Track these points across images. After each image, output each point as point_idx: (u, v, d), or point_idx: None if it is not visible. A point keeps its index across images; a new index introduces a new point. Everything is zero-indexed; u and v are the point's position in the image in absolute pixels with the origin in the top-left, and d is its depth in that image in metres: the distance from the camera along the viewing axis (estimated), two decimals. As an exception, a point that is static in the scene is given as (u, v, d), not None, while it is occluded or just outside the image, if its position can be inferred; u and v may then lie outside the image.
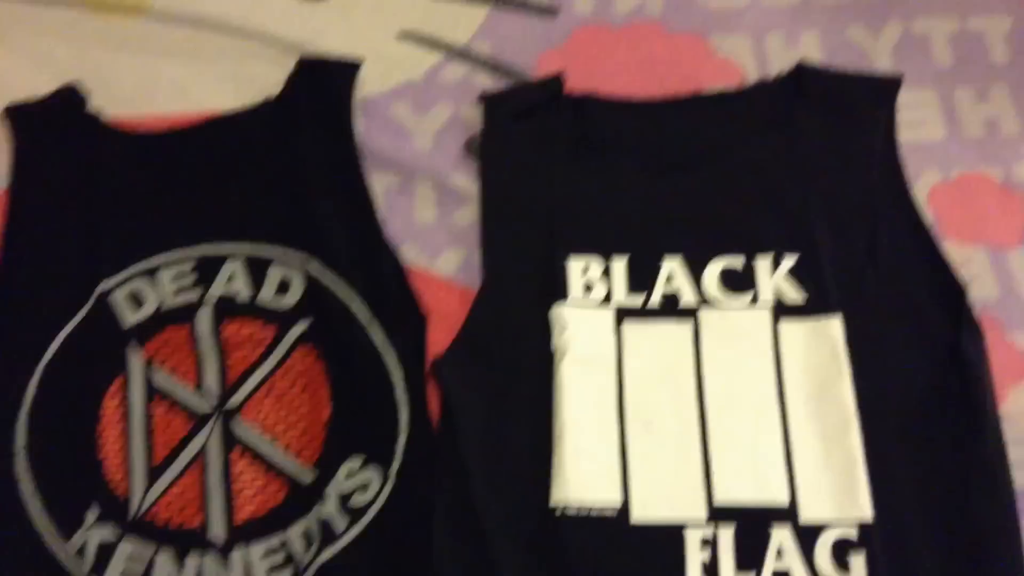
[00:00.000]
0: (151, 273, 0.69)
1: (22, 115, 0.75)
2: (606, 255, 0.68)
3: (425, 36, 0.79)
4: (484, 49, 0.79)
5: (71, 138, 0.74)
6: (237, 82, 0.77)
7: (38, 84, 0.76)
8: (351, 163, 0.73)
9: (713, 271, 0.66)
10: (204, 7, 0.79)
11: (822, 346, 0.62)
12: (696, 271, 0.67)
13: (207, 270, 0.69)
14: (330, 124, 0.74)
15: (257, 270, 0.69)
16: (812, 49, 0.78)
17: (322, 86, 0.75)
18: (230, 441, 0.65)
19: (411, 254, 0.70)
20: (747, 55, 0.78)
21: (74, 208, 0.72)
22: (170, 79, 0.77)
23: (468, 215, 0.72)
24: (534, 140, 0.73)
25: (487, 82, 0.77)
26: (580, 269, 0.67)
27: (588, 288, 0.66)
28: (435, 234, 0.72)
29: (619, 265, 0.67)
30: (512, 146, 0.73)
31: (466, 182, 0.72)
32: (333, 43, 0.78)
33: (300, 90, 0.75)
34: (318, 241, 0.70)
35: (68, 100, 0.75)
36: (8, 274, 0.70)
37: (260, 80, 0.76)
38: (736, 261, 0.66)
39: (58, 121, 0.74)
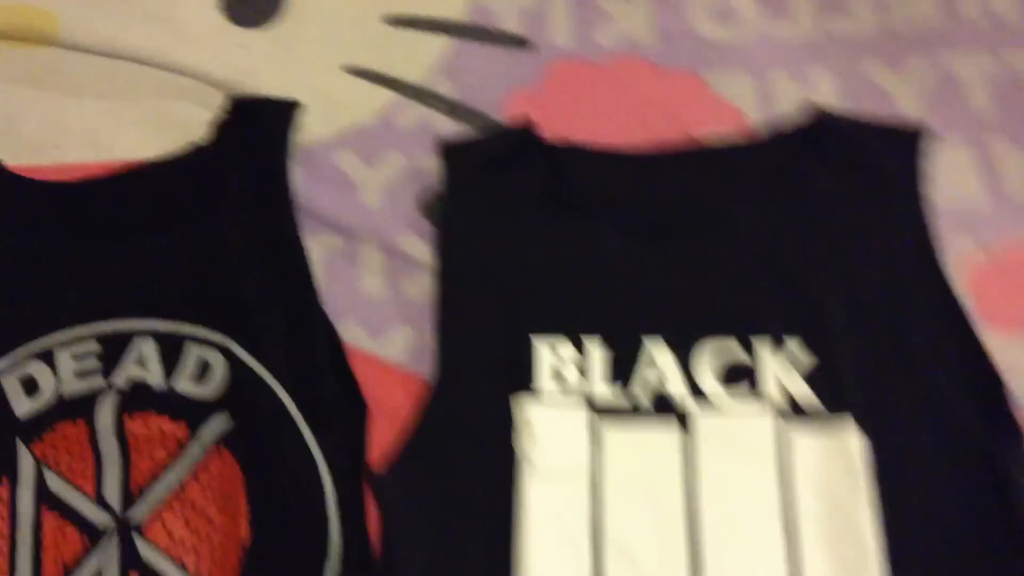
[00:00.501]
0: (48, 354, 0.59)
1: None
2: (579, 336, 0.57)
3: (377, 72, 0.68)
4: (444, 88, 0.68)
5: None
6: (158, 126, 0.66)
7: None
8: (284, 222, 0.62)
9: (704, 357, 0.56)
10: (120, 35, 0.68)
11: (837, 460, 0.52)
12: (682, 356, 0.56)
13: (112, 351, 0.59)
14: (261, 176, 0.63)
15: (170, 351, 0.59)
16: (824, 90, 0.67)
17: (253, 131, 0.64)
18: (131, 561, 0.54)
19: (352, 332, 0.60)
20: (748, 95, 0.67)
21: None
22: (80, 121, 0.67)
23: (421, 287, 0.61)
24: (500, 198, 0.62)
25: (447, 127, 0.66)
26: (548, 352, 0.57)
27: (557, 375, 0.56)
28: (381, 309, 0.61)
29: (594, 348, 0.57)
30: (475, 205, 0.62)
31: (420, 247, 0.62)
32: (271, 79, 0.67)
33: (229, 136, 0.64)
34: (242, 317, 0.59)
35: None
36: None
37: (185, 123, 0.66)
38: (730, 345, 0.56)
39: None
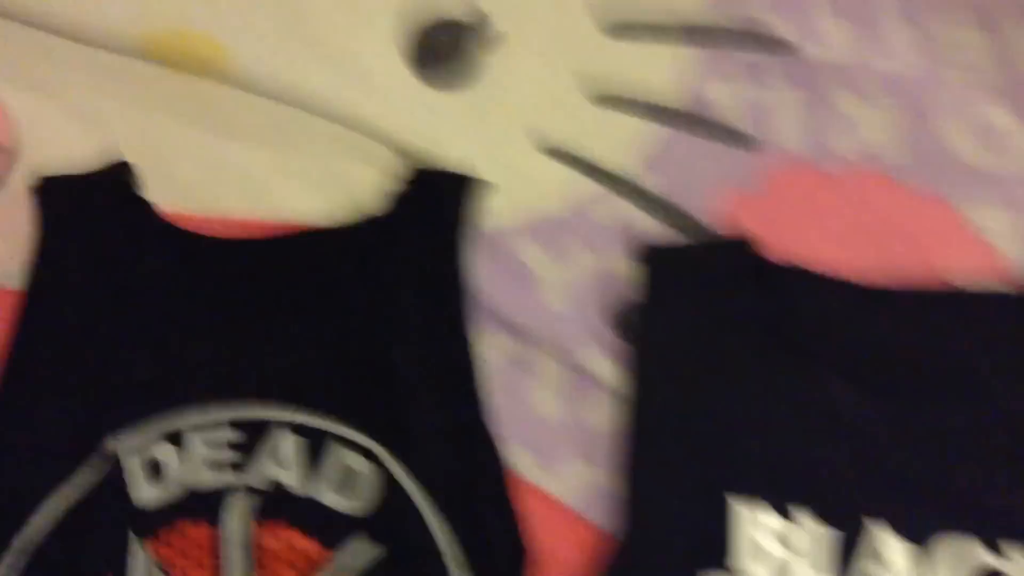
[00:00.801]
0: (177, 436, 0.52)
1: (55, 193, 0.58)
2: (785, 505, 0.48)
3: (574, 155, 0.60)
4: (650, 182, 0.59)
5: (113, 233, 0.57)
6: (325, 184, 0.59)
7: (73, 148, 0.60)
8: (455, 316, 0.54)
9: (943, 558, 0.46)
10: (293, 76, 0.62)
11: None
12: (915, 552, 0.46)
13: (247, 441, 0.52)
14: (435, 259, 0.56)
15: (311, 450, 0.51)
16: (1103, 239, 0.56)
17: (433, 207, 0.57)
18: None
19: (520, 458, 0.51)
20: (1007, 234, 0.56)
21: (101, 325, 0.55)
22: (239, 167, 0.60)
23: (603, 414, 0.52)
24: (709, 321, 0.53)
25: (649, 227, 0.58)
26: (749, 520, 0.47)
27: (758, 551, 0.46)
28: (555, 434, 0.52)
29: (805, 522, 0.47)
30: (678, 326, 0.53)
31: (606, 366, 0.53)
32: (456, 149, 0.59)
33: (406, 210, 0.57)
34: (396, 421, 0.51)
35: (115, 180, 0.59)
36: (8, 401, 0.53)
37: (355, 185, 0.58)
38: (976, 549, 0.46)
39: (99, 207, 0.58)
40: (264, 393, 0.53)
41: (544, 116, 0.61)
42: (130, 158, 0.59)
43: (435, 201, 0.56)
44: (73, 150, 0.60)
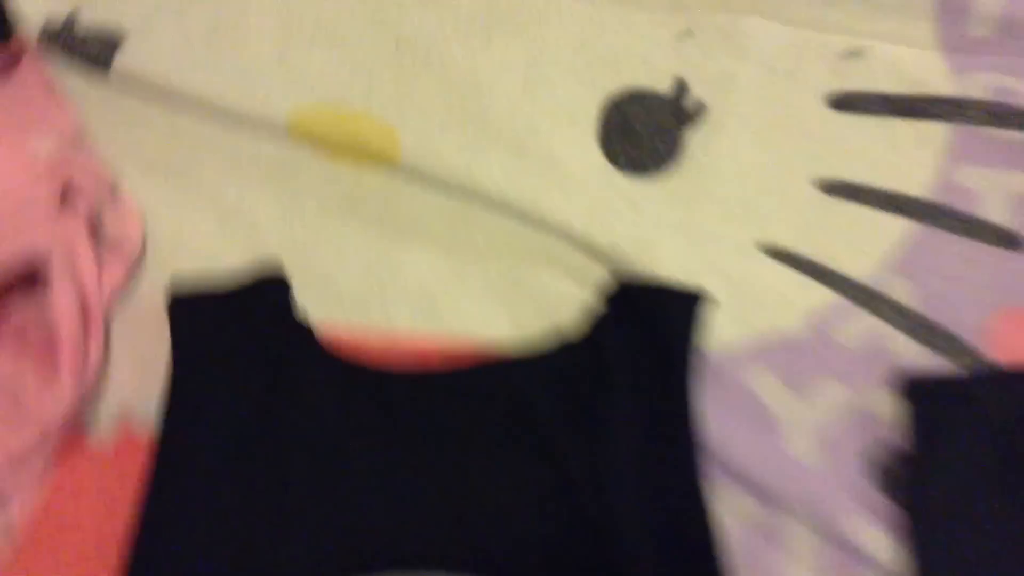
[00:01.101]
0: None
1: (192, 308, 0.49)
2: None
3: (806, 258, 0.50)
4: (900, 291, 0.49)
5: (264, 362, 0.47)
6: (509, 298, 0.49)
7: (212, 248, 0.52)
8: (685, 471, 0.44)
9: None
10: (478, 168, 0.52)
11: None
12: None
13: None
14: (652, 396, 0.46)
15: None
16: None
17: (644, 329, 0.47)
18: None
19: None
20: None
21: (247, 478, 0.45)
22: (411, 276, 0.51)
23: (881, 601, 0.42)
24: (1000, 473, 0.43)
25: (908, 350, 0.47)
26: None
27: None
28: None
29: None
30: (959, 481, 0.43)
31: (873, 536, 0.43)
32: (664, 252, 0.50)
33: (610, 332, 0.47)
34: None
35: (265, 293, 0.49)
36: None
37: (546, 300, 0.49)
38: None
39: (247, 327, 0.48)
40: (445, 559, 0.44)
41: (764, 208, 0.51)
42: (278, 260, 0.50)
43: (649, 322, 0.47)
44: (211, 251, 0.51)
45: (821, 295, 0.49)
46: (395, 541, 0.44)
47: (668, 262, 0.49)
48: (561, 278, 0.50)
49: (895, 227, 0.50)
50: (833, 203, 0.51)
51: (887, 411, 0.46)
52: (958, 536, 0.43)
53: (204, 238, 0.52)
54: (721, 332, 0.48)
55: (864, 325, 0.48)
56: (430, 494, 0.45)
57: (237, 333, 0.47)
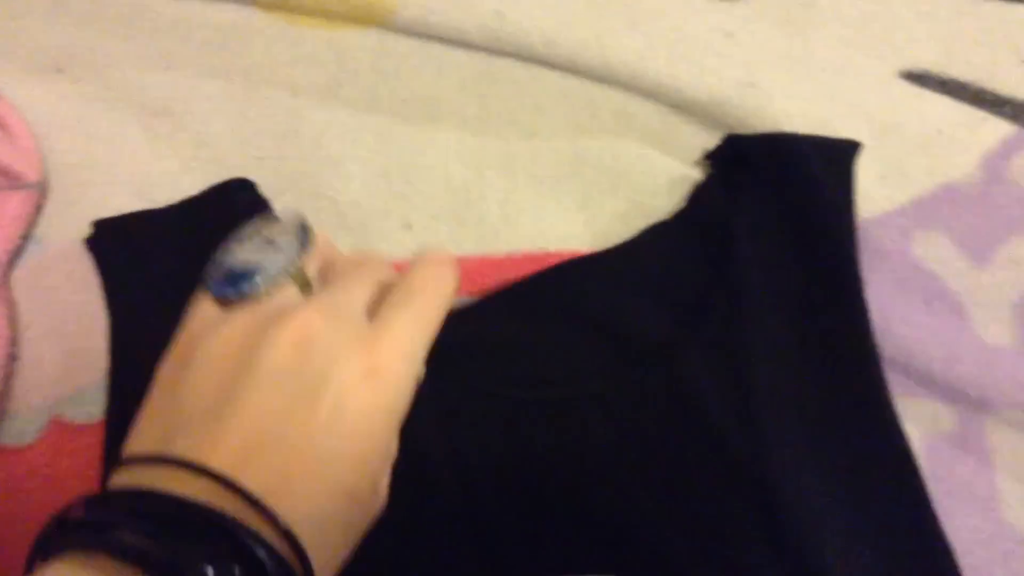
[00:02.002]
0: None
1: (132, 239, 0.34)
2: None
3: (975, 86, 0.37)
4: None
5: None
6: (578, 185, 0.36)
7: (146, 169, 0.37)
8: (867, 387, 0.32)
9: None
10: (511, 9, 0.36)
11: None
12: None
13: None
14: (803, 284, 0.33)
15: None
16: None
17: (777, 193, 0.34)
18: None
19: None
20: None
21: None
22: (438, 175, 0.36)
23: None
24: None
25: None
26: None
27: None
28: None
29: None
30: None
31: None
32: (788, 101, 0.36)
33: (725, 201, 0.34)
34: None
35: (232, 200, 0.35)
36: None
37: (629, 179, 0.36)
38: None
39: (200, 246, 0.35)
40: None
41: (903, 22, 0.38)
42: (234, 159, 0.36)
43: (782, 184, 0.34)
44: (142, 173, 0.37)
45: (995, 129, 0.37)
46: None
47: (786, 109, 0.36)
48: (642, 147, 0.36)
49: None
50: (991, 6, 0.38)
51: (1099, 267, 0.35)
52: None
53: (130, 156, 0.37)
54: (874, 193, 0.35)
55: (1050, 159, 0.36)
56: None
57: (191, 255, 0.34)
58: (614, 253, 0.34)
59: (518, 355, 0.33)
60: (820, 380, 0.32)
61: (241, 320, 0.24)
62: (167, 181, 0.36)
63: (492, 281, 0.35)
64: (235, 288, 0.25)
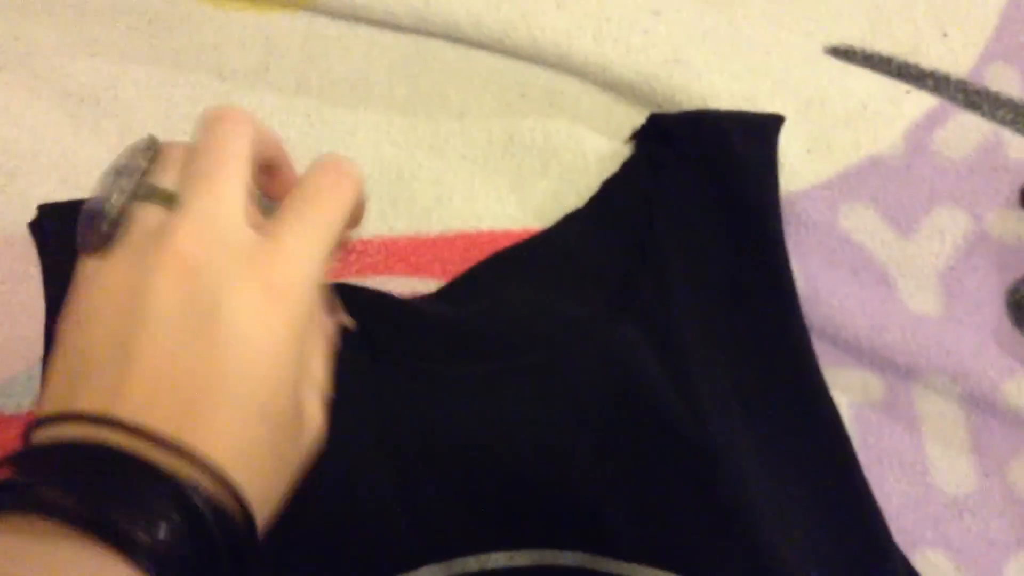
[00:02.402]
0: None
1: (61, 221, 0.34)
2: None
3: (895, 58, 0.38)
4: (1006, 79, 0.38)
5: None
6: (509, 164, 0.36)
7: (70, 156, 0.36)
8: (794, 356, 0.33)
9: None
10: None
11: None
12: None
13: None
14: (727, 259, 0.34)
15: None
16: None
17: (699, 169, 0.35)
18: None
19: (936, 569, 0.32)
20: None
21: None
22: (367, 155, 0.36)
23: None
24: None
25: (1032, 154, 0.37)
26: None
27: None
28: (981, 521, 0.33)
29: None
30: None
31: (1035, 394, 0.33)
32: (714, 77, 0.37)
33: (646, 178, 0.34)
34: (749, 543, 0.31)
35: None
36: None
37: (560, 159, 0.36)
38: None
39: None
40: (496, 533, 0.32)
41: (823, 2, 0.39)
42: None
43: (704, 160, 0.34)
44: (66, 160, 0.36)
45: (918, 102, 0.37)
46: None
47: (713, 85, 0.36)
48: (572, 125, 0.36)
49: (992, 3, 0.39)
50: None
51: (1015, 232, 0.35)
52: None
53: (56, 144, 0.36)
54: (801, 167, 0.36)
55: (970, 128, 0.37)
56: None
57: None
58: (537, 243, 0.34)
59: (452, 334, 0.32)
60: (749, 352, 0.32)
61: (117, 263, 0.23)
62: (94, 168, 0.35)
63: (426, 260, 0.35)
64: (92, 229, 0.23)
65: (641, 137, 0.35)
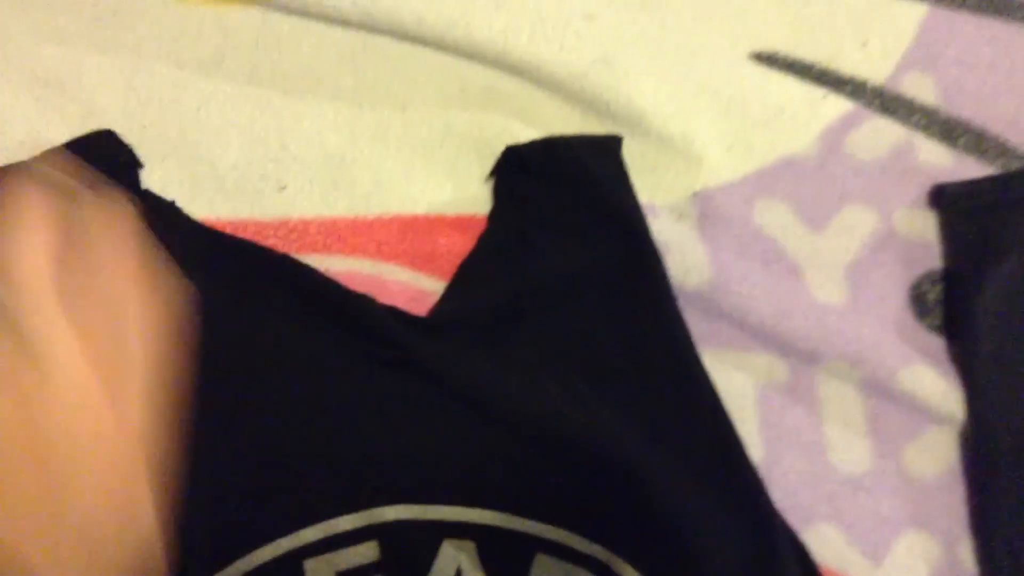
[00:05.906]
0: (293, 565, 0.33)
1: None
2: None
3: (811, 64, 0.40)
4: (922, 87, 0.40)
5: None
6: (449, 155, 0.38)
7: (33, 134, 0.39)
8: (670, 344, 0.35)
9: None
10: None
11: None
12: None
13: (401, 560, 0.33)
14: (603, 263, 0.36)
15: (504, 568, 0.33)
16: None
17: (562, 189, 0.36)
18: None
19: (827, 544, 0.34)
20: None
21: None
22: (314, 144, 0.38)
23: (935, 454, 0.35)
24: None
25: (939, 157, 0.39)
26: None
27: None
28: (872, 497, 0.34)
29: None
30: (1005, 297, 0.36)
31: (929, 379, 0.35)
32: (642, 79, 0.39)
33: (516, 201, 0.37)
34: (639, 513, 0.33)
35: (95, 158, 0.36)
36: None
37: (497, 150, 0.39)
38: None
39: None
40: (423, 488, 0.34)
41: (755, 6, 0.41)
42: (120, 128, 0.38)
43: (558, 179, 0.36)
44: (29, 137, 0.38)
45: (835, 106, 0.39)
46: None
47: (639, 85, 0.38)
48: (507, 119, 0.39)
49: (912, 14, 0.41)
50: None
51: (921, 231, 0.37)
52: (1011, 357, 0.35)
53: (21, 124, 0.39)
54: (719, 165, 0.38)
55: (883, 132, 0.39)
56: (388, 403, 0.35)
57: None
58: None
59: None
60: (630, 349, 0.34)
61: None
62: (57, 148, 0.38)
63: (363, 240, 0.37)
64: None
65: (502, 169, 0.38)
